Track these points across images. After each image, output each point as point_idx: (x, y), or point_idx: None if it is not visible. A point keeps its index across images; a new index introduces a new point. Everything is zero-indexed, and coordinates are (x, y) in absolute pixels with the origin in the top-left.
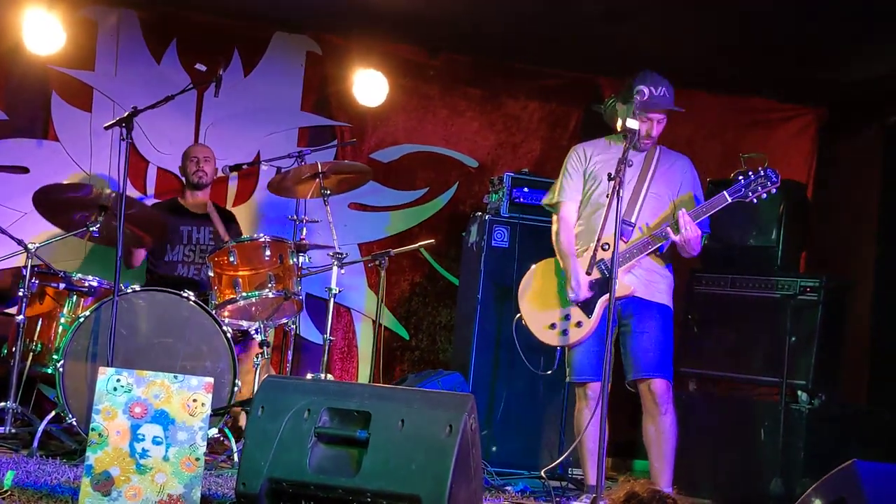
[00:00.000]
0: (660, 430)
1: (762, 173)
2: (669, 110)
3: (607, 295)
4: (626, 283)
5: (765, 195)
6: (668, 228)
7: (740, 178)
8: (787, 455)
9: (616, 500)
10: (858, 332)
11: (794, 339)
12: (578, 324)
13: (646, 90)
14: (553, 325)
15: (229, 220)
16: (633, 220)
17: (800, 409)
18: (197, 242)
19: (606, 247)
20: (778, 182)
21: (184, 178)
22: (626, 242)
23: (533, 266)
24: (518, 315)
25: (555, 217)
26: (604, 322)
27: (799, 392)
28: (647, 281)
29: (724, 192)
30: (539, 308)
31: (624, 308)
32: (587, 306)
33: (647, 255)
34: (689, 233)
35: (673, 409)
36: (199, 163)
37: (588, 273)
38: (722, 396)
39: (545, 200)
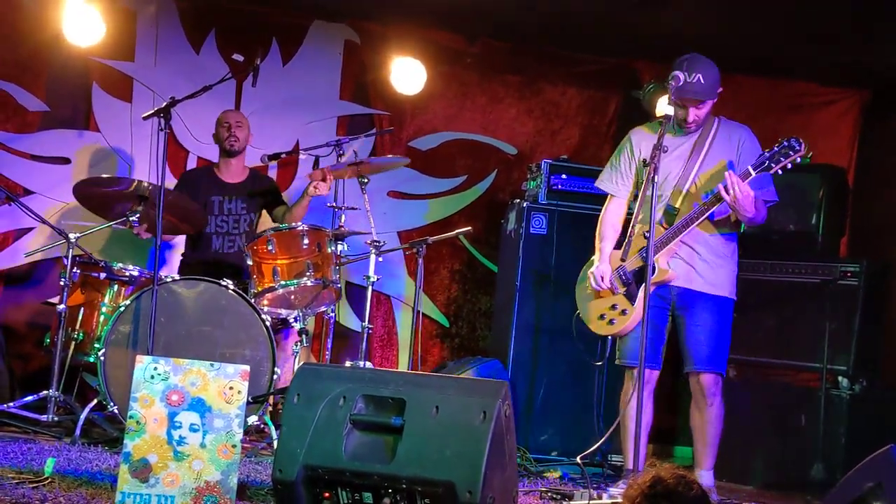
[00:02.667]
0: (705, 420)
1: (785, 143)
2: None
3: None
4: (664, 267)
5: (789, 165)
6: (721, 186)
7: (765, 151)
8: (828, 441)
9: (641, 485)
10: None
11: (834, 324)
12: (623, 312)
13: (680, 76)
14: (602, 316)
15: (272, 192)
16: (676, 206)
17: (840, 395)
18: (229, 213)
19: (648, 234)
20: (801, 150)
21: (218, 146)
22: (664, 228)
23: (591, 258)
24: (577, 312)
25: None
26: (653, 310)
27: (840, 378)
28: (704, 269)
29: (748, 167)
30: (590, 300)
31: (678, 299)
32: (630, 294)
33: (712, 236)
34: (739, 192)
35: (720, 400)
36: (231, 128)
37: (623, 260)
38: (762, 382)
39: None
